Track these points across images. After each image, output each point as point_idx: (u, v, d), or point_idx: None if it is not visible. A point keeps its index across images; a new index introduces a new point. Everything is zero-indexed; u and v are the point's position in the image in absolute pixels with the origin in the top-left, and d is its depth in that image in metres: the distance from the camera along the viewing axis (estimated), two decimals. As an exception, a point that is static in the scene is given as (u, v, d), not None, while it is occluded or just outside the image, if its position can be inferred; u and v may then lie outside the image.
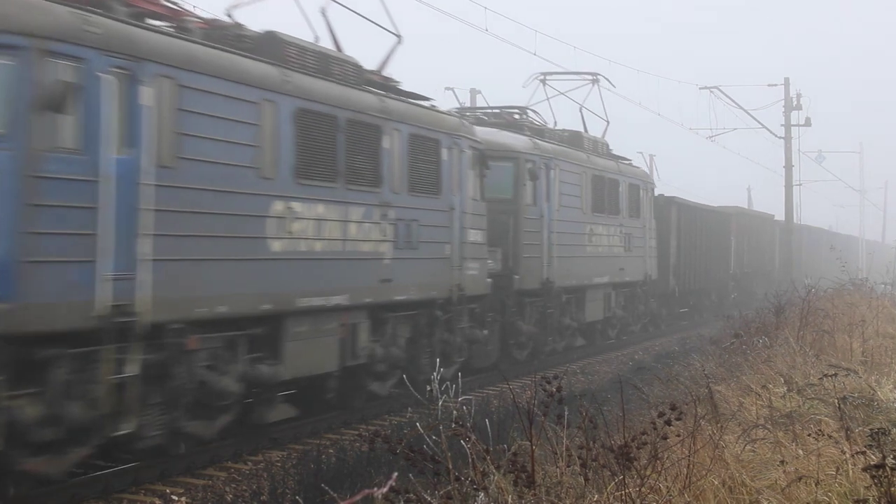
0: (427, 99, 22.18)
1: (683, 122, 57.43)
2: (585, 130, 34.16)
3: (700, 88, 53.31)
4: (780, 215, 65.33)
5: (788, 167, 54.42)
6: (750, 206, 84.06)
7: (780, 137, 54.59)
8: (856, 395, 13.22)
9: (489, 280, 23.81)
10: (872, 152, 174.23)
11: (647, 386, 17.58)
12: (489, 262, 24.05)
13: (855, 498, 7.77)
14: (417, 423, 8.73)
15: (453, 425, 8.09)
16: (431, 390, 8.52)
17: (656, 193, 40.91)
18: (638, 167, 37.80)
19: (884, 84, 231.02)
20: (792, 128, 54.63)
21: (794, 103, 54.58)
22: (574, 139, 31.57)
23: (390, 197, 19.18)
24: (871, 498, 7.63)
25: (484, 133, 25.44)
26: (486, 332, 23.77)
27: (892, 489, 7.36)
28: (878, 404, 12.97)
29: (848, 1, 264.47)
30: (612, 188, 32.92)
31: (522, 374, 24.77)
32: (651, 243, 37.20)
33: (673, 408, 8.71)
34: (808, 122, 55.38)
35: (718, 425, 10.64)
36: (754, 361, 17.02)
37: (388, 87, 20.50)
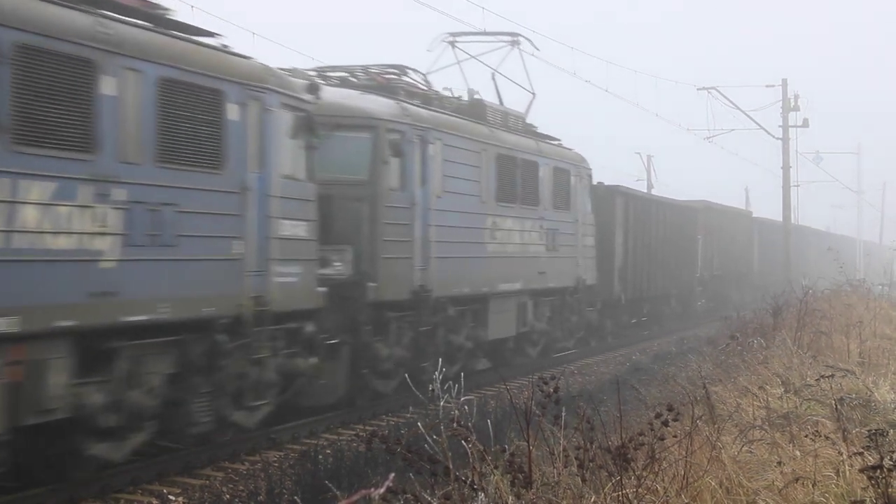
0: (210, 34, 15.70)
1: (681, 123, 57.15)
2: (500, 101, 27.40)
3: (698, 89, 53.30)
4: (758, 213, 65.49)
5: (786, 168, 54.41)
6: (747, 206, 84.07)
7: (777, 138, 54.61)
8: (853, 396, 13.25)
9: (322, 289, 17.61)
10: (870, 153, 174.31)
11: (644, 387, 17.63)
12: (337, 265, 18.64)
13: (852, 499, 7.79)
14: (419, 423, 8.73)
15: (454, 426, 8.10)
16: (433, 390, 8.49)
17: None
18: (570, 149, 30.36)
19: (882, 85, 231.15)
20: (789, 129, 54.64)
21: (792, 104, 54.57)
22: (474, 109, 24.57)
23: (116, 169, 13.01)
24: (868, 499, 7.64)
25: (333, 95, 19.72)
26: (314, 360, 17.48)
27: (890, 490, 7.38)
28: (875, 405, 13.01)
29: (847, 2, 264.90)
30: (529, 172, 26.04)
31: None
32: (587, 241, 30.38)
33: (670, 409, 8.74)
34: (805, 123, 55.39)
35: (715, 426, 10.65)
36: (751, 362, 17.04)
37: (148, 15, 14.37)
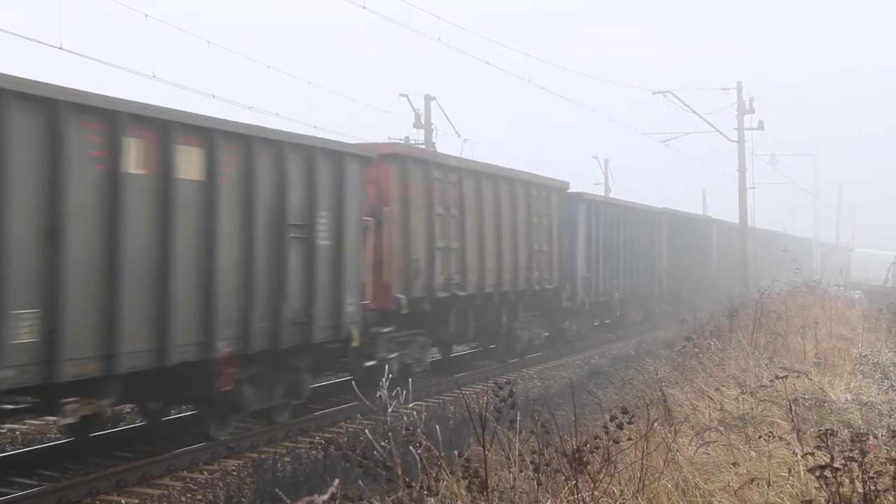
0: None
1: (637, 128, 57.11)
2: None
3: (653, 93, 53.46)
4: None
5: (742, 170, 54.65)
6: (705, 210, 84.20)
7: (733, 141, 54.86)
8: (807, 396, 13.34)
9: None
10: (826, 155, 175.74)
11: (601, 390, 17.68)
12: None
13: (805, 498, 7.84)
14: (367, 431, 8.74)
15: (404, 431, 8.12)
16: (381, 397, 8.51)
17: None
18: None
19: (837, 90, 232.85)
20: (745, 131, 54.92)
21: (747, 107, 54.86)
22: None
23: None
24: (822, 499, 7.70)
25: None
26: None
27: (842, 489, 7.44)
28: (829, 405, 13.10)
29: (801, 4, 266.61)
30: None
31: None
32: None
33: (624, 411, 8.79)
34: (760, 126, 55.62)
35: (672, 428, 10.72)
36: (707, 364, 17.13)
37: None
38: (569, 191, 33.32)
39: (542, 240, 30.25)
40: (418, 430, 8.05)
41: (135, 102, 14.42)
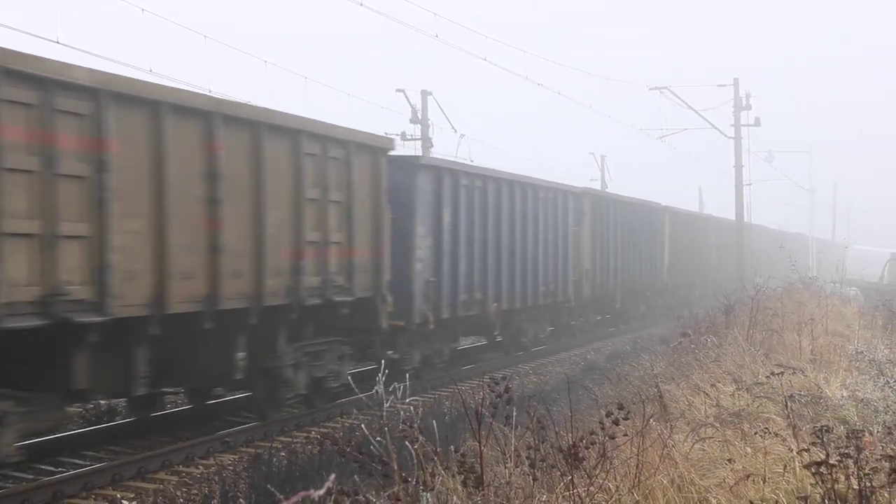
0: None
1: (634, 124, 56.98)
2: None
3: (650, 89, 53.41)
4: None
5: (738, 167, 54.64)
6: (701, 207, 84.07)
7: (729, 137, 54.85)
8: (803, 392, 13.36)
9: None
10: (825, 154, 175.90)
11: (597, 386, 17.68)
12: None
13: (800, 495, 7.84)
14: (363, 426, 8.74)
15: (401, 426, 8.12)
16: (376, 392, 8.51)
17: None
18: None
19: (837, 88, 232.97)
20: (741, 128, 54.89)
21: (744, 103, 54.83)
22: None
23: None
24: (817, 495, 7.70)
25: None
26: None
27: (837, 486, 7.44)
28: (825, 402, 13.11)
29: (801, 5, 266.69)
30: None
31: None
32: None
33: (620, 407, 8.80)
34: (757, 122, 55.58)
35: (667, 424, 10.72)
36: (704, 361, 17.14)
37: None
38: (394, 153, 21.53)
39: (329, 226, 18.66)
40: (414, 425, 8.04)
41: None
